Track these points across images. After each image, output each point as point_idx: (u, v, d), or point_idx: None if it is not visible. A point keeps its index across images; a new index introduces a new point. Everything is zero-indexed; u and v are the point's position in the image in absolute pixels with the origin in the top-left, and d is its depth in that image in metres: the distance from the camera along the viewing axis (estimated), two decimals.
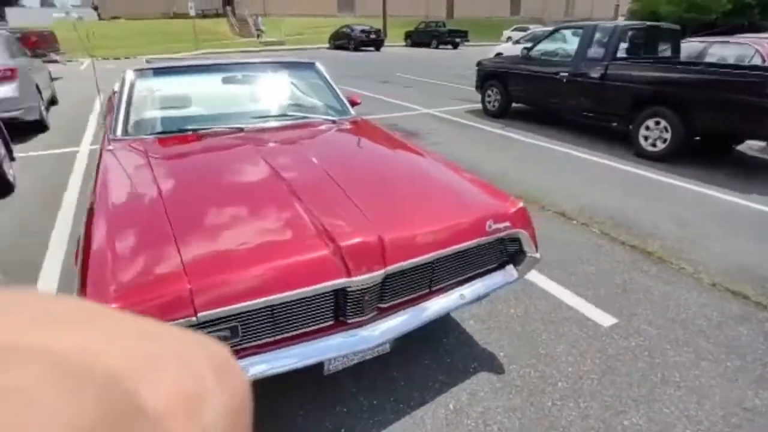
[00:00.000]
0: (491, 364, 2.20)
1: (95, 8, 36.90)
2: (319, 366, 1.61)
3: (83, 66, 16.98)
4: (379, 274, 1.59)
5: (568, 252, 3.25)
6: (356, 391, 2.03)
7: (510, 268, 2.03)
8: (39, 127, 6.49)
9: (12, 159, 4.64)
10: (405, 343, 2.27)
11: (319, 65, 3.43)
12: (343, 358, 1.67)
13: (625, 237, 3.50)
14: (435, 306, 1.83)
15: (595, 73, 5.91)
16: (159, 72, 2.93)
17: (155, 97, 2.80)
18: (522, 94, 7.20)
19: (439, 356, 2.24)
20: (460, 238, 1.81)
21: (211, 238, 1.59)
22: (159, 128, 2.63)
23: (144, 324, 0.15)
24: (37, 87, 6.71)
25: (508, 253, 2.04)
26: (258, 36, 26.71)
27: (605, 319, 2.55)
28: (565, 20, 28.62)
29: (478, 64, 7.91)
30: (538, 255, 2.05)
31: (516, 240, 2.00)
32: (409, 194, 2.00)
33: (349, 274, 1.54)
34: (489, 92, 7.67)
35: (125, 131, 2.57)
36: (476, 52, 18.39)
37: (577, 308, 2.63)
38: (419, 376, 2.11)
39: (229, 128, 2.65)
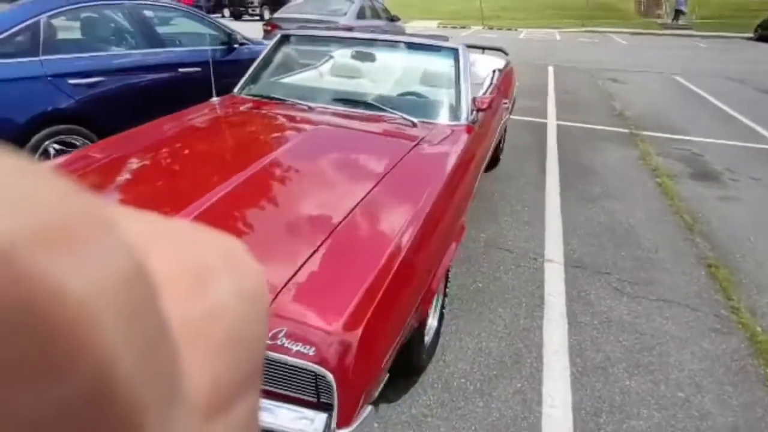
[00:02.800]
0: None
1: None
2: None
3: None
4: None
5: None
6: None
7: (318, 415, 1.19)
8: None
9: None
10: None
11: (462, 52, 2.70)
12: None
13: None
14: None
15: None
16: (294, 39, 3.01)
17: (279, 62, 2.92)
18: None
19: None
20: None
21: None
22: (259, 91, 2.76)
23: (144, 212, 0.15)
24: None
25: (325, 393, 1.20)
26: (676, 18, 22.35)
27: None
28: None
29: None
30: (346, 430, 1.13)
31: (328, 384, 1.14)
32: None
33: None
34: None
35: (240, 89, 2.83)
36: None
37: None
38: None
39: (302, 104, 2.52)
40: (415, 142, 2.15)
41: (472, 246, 2.95)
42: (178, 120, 2.34)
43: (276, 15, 7.42)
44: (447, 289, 2.17)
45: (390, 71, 2.84)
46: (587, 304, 2.48)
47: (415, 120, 2.37)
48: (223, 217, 1.50)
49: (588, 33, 19.74)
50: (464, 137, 2.32)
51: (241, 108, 2.55)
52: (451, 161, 2.04)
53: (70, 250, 0.09)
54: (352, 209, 1.57)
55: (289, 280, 1.25)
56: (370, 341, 1.15)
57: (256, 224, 1.53)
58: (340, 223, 1.49)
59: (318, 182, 1.82)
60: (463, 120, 2.45)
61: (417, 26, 21.54)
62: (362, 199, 1.63)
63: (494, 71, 3.64)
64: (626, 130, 5.70)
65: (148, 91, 3.51)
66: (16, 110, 2.80)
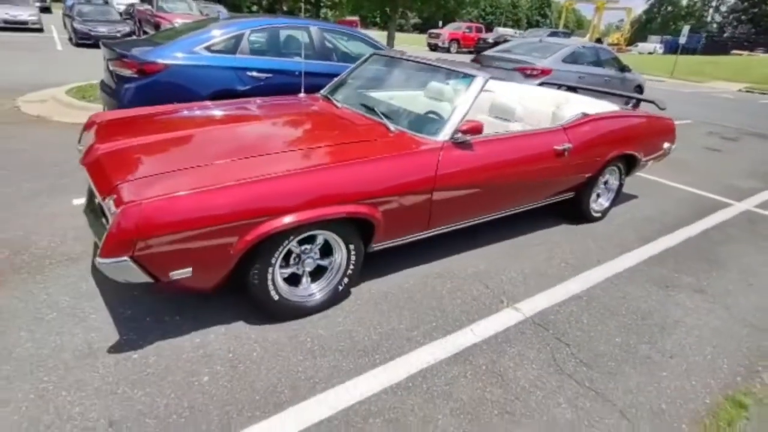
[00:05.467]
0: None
1: None
2: None
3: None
4: None
5: None
6: None
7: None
8: None
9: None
10: None
11: (479, 81, 2.75)
12: None
13: None
14: None
15: None
16: (377, 58, 3.57)
17: (354, 74, 3.54)
18: None
19: None
20: None
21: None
22: (324, 92, 3.46)
23: None
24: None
25: None
26: None
27: None
28: None
29: None
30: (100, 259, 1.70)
31: None
32: None
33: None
34: None
35: (324, 89, 3.61)
36: None
37: None
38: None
39: (336, 104, 3.14)
40: (363, 139, 2.50)
41: (459, 273, 2.89)
42: (262, 99, 3.36)
43: (484, 53, 7.99)
44: (350, 269, 2.39)
45: (414, 88, 3.17)
46: (500, 353, 2.22)
47: (393, 127, 2.65)
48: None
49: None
50: (422, 148, 2.48)
51: (298, 100, 3.35)
52: (361, 155, 2.31)
53: None
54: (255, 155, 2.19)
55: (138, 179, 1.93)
56: (157, 218, 1.72)
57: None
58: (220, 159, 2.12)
59: (271, 139, 2.55)
60: (439, 137, 2.57)
61: (709, 87, 18.28)
62: (268, 153, 2.25)
63: (579, 114, 3.36)
64: None
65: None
66: (208, 85, 4.31)
